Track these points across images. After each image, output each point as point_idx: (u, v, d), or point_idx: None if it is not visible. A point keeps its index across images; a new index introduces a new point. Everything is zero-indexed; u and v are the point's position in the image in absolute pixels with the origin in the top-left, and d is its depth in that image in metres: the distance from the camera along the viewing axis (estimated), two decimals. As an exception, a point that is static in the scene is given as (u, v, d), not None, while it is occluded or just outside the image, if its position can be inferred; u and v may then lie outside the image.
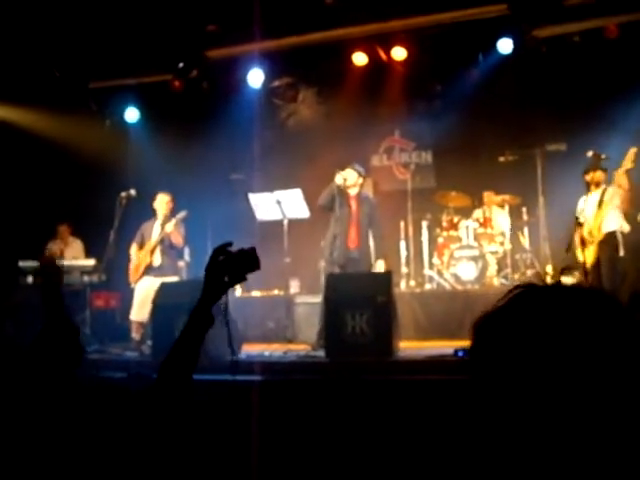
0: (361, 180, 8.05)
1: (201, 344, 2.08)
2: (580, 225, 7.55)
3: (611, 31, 9.11)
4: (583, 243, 7.48)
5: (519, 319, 1.02)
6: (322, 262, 8.38)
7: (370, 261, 7.98)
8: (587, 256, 7.47)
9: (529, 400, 0.97)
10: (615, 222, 7.48)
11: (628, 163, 7.25)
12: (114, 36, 9.46)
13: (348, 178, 7.85)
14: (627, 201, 7.38)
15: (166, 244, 8.35)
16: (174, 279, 8.25)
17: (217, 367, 6.04)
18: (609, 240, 7.42)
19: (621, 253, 7.36)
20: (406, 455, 4.61)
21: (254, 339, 8.40)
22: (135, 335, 8.24)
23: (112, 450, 1.93)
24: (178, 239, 8.34)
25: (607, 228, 7.46)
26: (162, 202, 8.52)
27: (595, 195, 7.64)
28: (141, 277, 8.32)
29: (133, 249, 8.47)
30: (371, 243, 8.07)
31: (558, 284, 1.12)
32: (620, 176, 7.32)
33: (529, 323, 1.00)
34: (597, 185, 7.64)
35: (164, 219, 8.46)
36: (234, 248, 2.16)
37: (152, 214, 8.66)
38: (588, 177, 7.67)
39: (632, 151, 7.26)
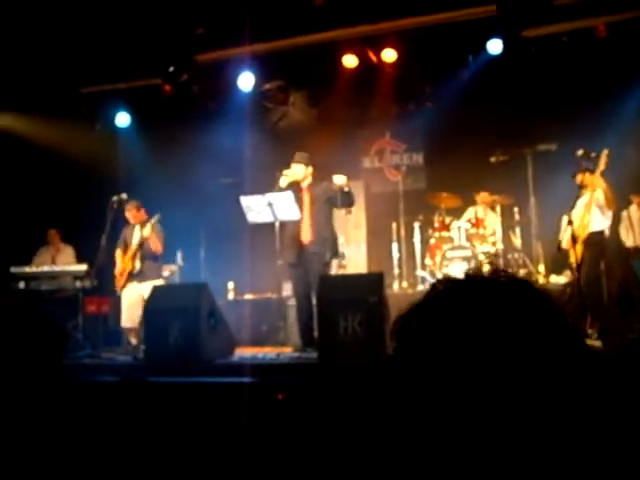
0: (310, 169, 7.76)
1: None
2: (571, 224, 7.62)
3: (600, 31, 9.15)
4: (574, 242, 7.57)
5: (438, 316, 0.99)
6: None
7: (325, 256, 7.52)
8: (576, 255, 7.58)
9: (454, 400, 0.95)
10: (599, 223, 7.66)
11: (602, 165, 7.42)
12: (104, 41, 9.45)
13: (296, 173, 7.66)
14: (608, 200, 7.54)
15: (145, 249, 8.38)
16: (157, 283, 8.25)
17: (208, 370, 6.07)
18: (593, 240, 7.57)
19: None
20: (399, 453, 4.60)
21: (247, 342, 8.40)
22: (133, 340, 8.27)
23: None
24: (157, 244, 8.38)
25: (591, 228, 7.63)
26: (131, 212, 8.58)
27: (585, 197, 7.75)
28: (125, 284, 8.36)
29: (118, 254, 8.51)
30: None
31: (476, 277, 1.06)
32: (597, 178, 7.47)
33: (447, 320, 0.98)
34: (586, 187, 7.74)
35: (140, 225, 8.54)
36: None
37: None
38: (578, 180, 7.76)
39: (605, 153, 7.45)
